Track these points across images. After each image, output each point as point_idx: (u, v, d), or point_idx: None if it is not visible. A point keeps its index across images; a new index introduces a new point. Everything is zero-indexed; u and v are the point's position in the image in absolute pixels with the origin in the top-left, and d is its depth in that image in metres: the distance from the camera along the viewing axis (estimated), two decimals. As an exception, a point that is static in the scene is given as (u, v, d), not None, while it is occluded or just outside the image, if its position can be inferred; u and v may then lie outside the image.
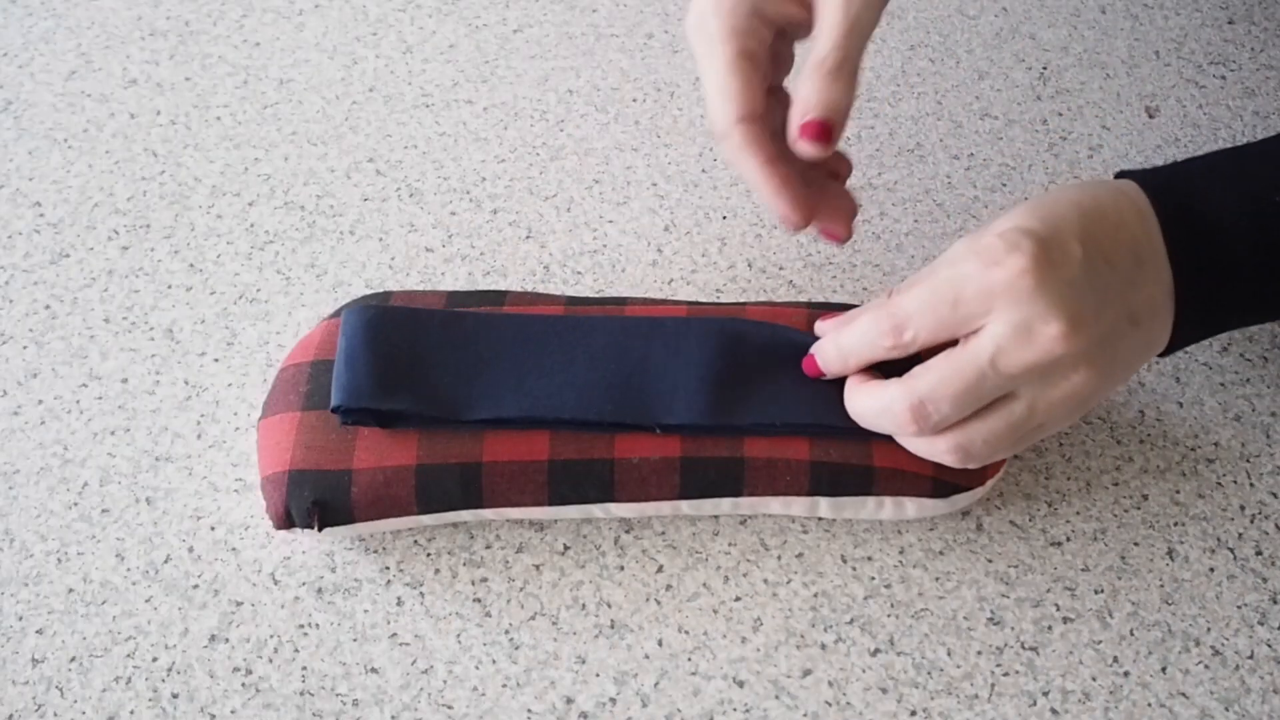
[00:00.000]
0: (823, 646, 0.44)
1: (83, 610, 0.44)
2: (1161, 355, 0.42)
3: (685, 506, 0.45)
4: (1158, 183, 0.41)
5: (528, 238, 0.58)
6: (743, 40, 0.41)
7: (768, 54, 0.43)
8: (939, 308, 0.38)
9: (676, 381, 0.45)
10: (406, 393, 0.44)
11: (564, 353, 0.45)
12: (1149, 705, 0.43)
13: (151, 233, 0.58)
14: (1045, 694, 0.43)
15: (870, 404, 0.41)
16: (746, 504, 0.45)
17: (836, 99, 0.40)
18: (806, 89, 0.40)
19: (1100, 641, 0.44)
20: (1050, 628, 0.45)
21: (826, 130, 0.40)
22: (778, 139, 0.42)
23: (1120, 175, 0.43)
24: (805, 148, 0.40)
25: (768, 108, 0.42)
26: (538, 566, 0.46)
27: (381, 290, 0.52)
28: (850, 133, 0.64)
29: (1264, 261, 0.40)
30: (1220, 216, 0.40)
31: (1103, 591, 0.46)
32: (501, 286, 0.56)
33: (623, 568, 0.46)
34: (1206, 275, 0.40)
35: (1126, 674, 0.44)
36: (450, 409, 0.44)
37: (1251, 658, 0.44)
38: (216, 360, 0.53)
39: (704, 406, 0.44)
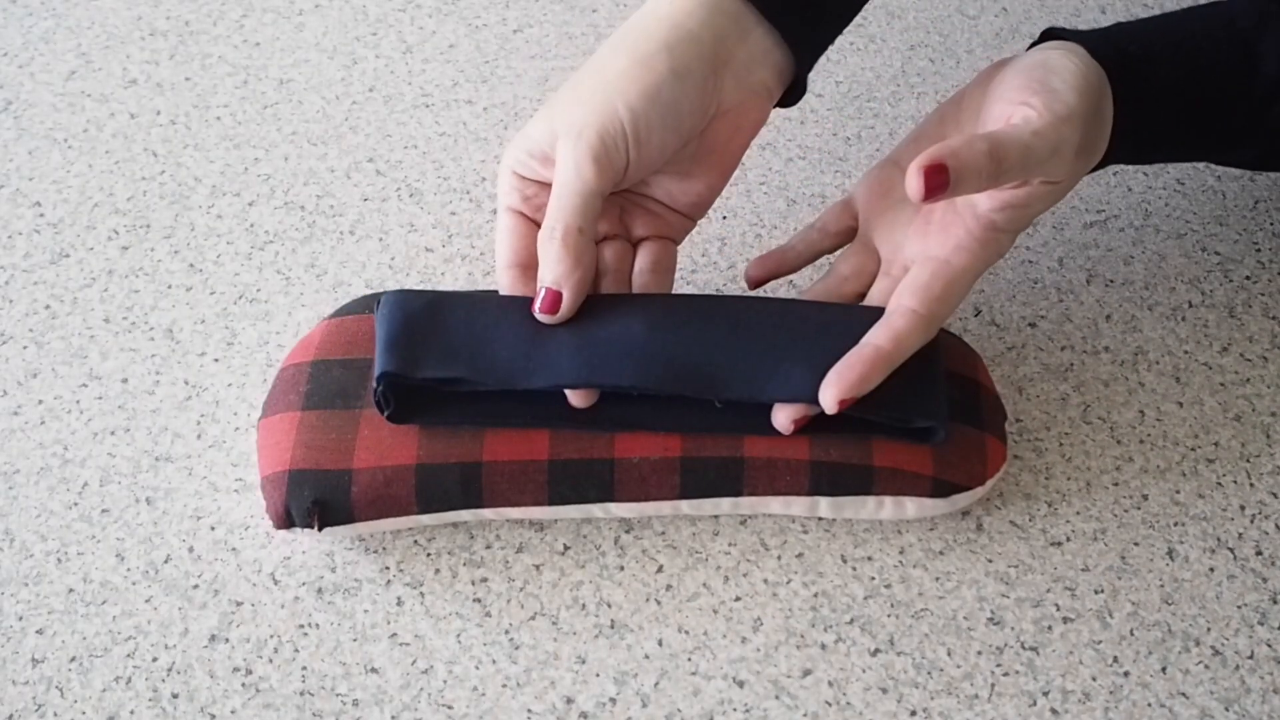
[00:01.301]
0: (823, 646, 0.44)
1: (83, 610, 0.44)
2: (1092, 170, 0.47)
3: (685, 506, 0.45)
4: (1105, 49, 0.45)
5: (528, 238, 0.58)
6: (508, 199, 0.46)
7: (538, 209, 0.46)
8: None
9: (738, 356, 0.44)
10: (463, 363, 0.43)
11: (621, 321, 0.44)
12: (1149, 705, 0.43)
13: (151, 233, 0.58)
14: (1045, 694, 0.43)
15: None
16: (746, 504, 0.45)
17: (554, 268, 0.43)
18: (538, 260, 0.44)
19: (1100, 641, 0.44)
20: (1050, 628, 0.45)
21: (551, 298, 0.43)
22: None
23: (1050, 33, 0.47)
24: (540, 317, 0.44)
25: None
26: (538, 566, 0.46)
27: (381, 290, 0.52)
28: (850, 132, 0.64)
29: (1181, 99, 0.46)
30: (1153, 67, 0.46)
31: (1103, 591, 0.46)
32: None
33: (623, 568, 0.46)
34: (1140, 109, 0.46)
35: (1126, 674, 0.44)
36: (508, 379, 0.43)
37: (1251, 658, 0.44)
38: (216, 360, 0.53)
39: (765, 383, 0.43)
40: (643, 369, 0.43)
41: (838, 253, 0.50)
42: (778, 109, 0.48)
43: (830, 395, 0.42)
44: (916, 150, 0.48)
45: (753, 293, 0.52)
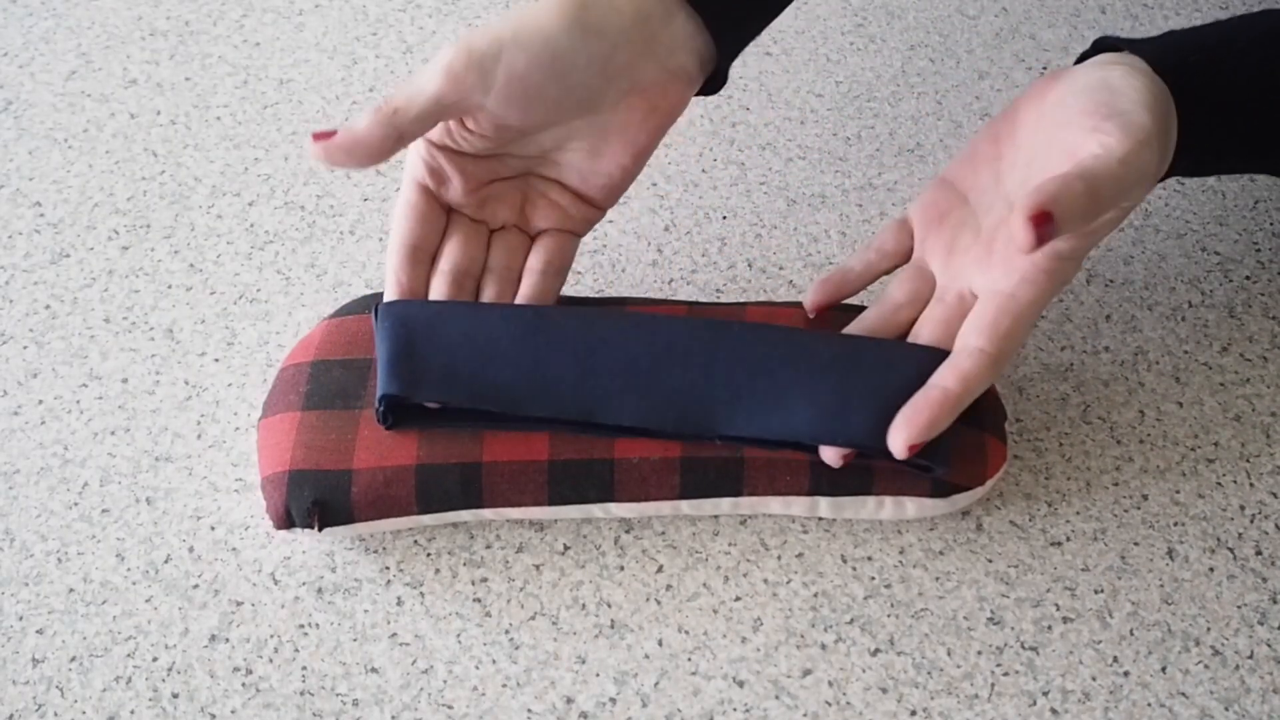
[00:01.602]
0: (823, 646, 0.44)
1: (83, 610, 0.44)
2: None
3: (685, 506, 0.45)
4: (1166, 61, 0.44)
5: (528, 238, 0.58)
6: (415, 171, 0.46)
7: (441, 183, 0.46)
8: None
9: (740, 391, 0.43)
10: (464, 385, 0.43)
11: (625, 349, 0.44)
12: (1149, 705, 0.43)
13: (151, 233, 0.58)
14: (1045, 694, 0.43)
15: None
16: (746, 504, 0.45)
17: (354, 127, 0.42)
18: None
19: (1100, 641, 0.44)
20: (1050, 628, 0.45)
21: (328, 133, 0.42)
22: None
23: (1102, 43, 0.46)
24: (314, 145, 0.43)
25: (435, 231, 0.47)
26: (538, 566, 0.46)
27: (382, 290, 0.52)
28: (850, 133, 0.64)
29: (1254, 115, 0.45)
30: (1220, 80, 0.45)
31: (1103, 591, 0.46)
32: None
33: (623, 568, 0.46)
34: (1207, 124, 0.44)
35: (1126, 674, 0.44)
36: (510, 404, 0.43)
37: (1251, 658, 0.44)
38: (216, 360, 0.53)
39: (769, 420, 0.43)
40: (646, 407, 0.43)
41: (891, 275, 0.49)
42: (700, 97, 0.47)
43: (900, 440, 0.41)
44: (971, 171, 0.47)
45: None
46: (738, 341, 0.45)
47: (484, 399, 0.43)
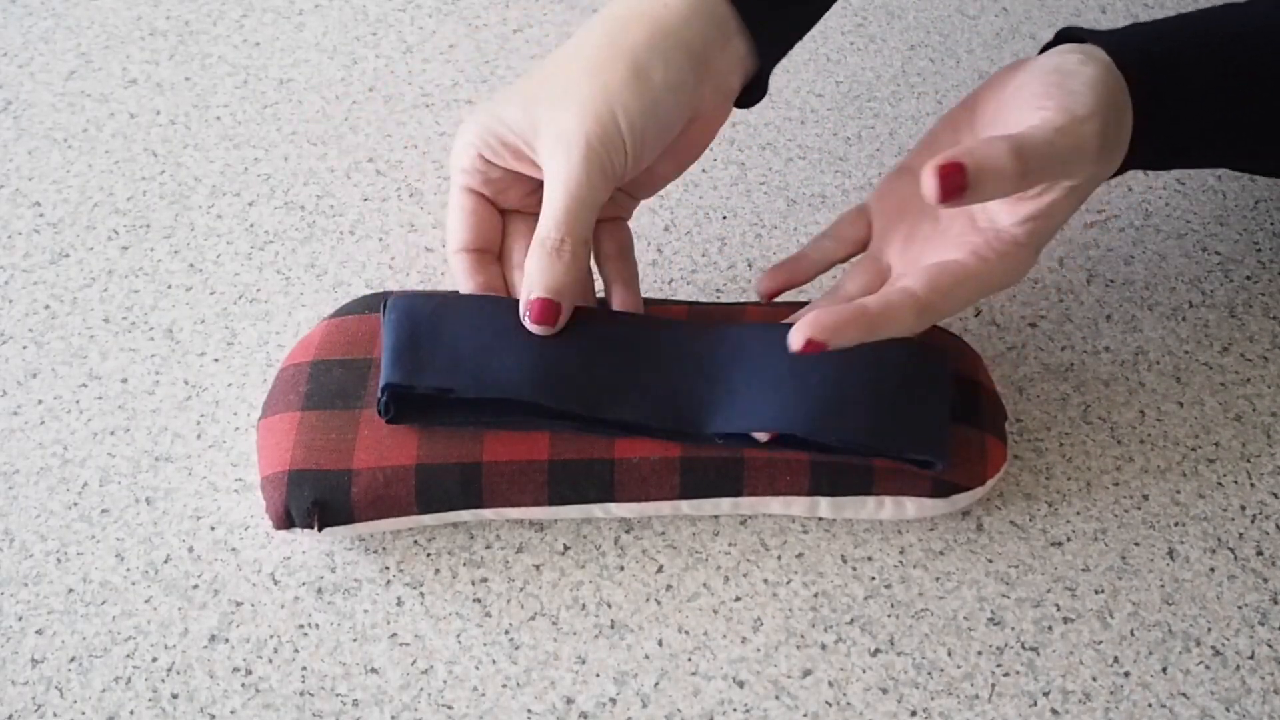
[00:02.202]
0: (823, 646, 0.44)
1: (83, 610, 0.44)
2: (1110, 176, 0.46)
3: (685, 506, 0.45)
4: (1126, 52, 0.44)
5: (528, 238, 0.58)
6: (468, 179, 0.45)
7: (500, 192, 0.46)
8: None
9: (736, 389, 0.44)
10: (467, 374, 0.43)
11: (622, 353, 0.44)
12: (1149, 705, 0.43)
13: (151, 233, 0.58)
14: (1045, 694, 0.43)
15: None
16: (746, 504, 0.45)
17: (558, 280, 0.43)
18: (530, 266, 0.43)
19: (1100, 642, 0.44)
20: (1050, 628, 0.45)
21: (550, 310, 0.43)
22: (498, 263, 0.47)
23: (1066, 34, 0.46)
24: (531, 327, 0.43)
25: (496, 236, 0.47)
26: (538, 566, 0.46)
27: (382, 290, 0.52)
28: (850, 133, 0.64)
29: (1211, 103, 0.45)
30: (1177, 65, 0.45)
31: (1103, 591, 0.46)
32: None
33: (623, 568, 0.46)
34: (1162, 112, 0.44)
35: (1127, 674, 0.44)
36: (512, 390, 0.43)
37: (1252, 658, 0.44)
38: (216, 360, 0.53)
39: (761, 414, 0.43)
40: (647, 403, 0.43)
41: (848, 263, 0.49)
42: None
43: (799, 336, 0.40)
44: (930, 156, 0.47)
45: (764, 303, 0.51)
46: (736, 342, 0.45)
47: (486, 386, 0.43)
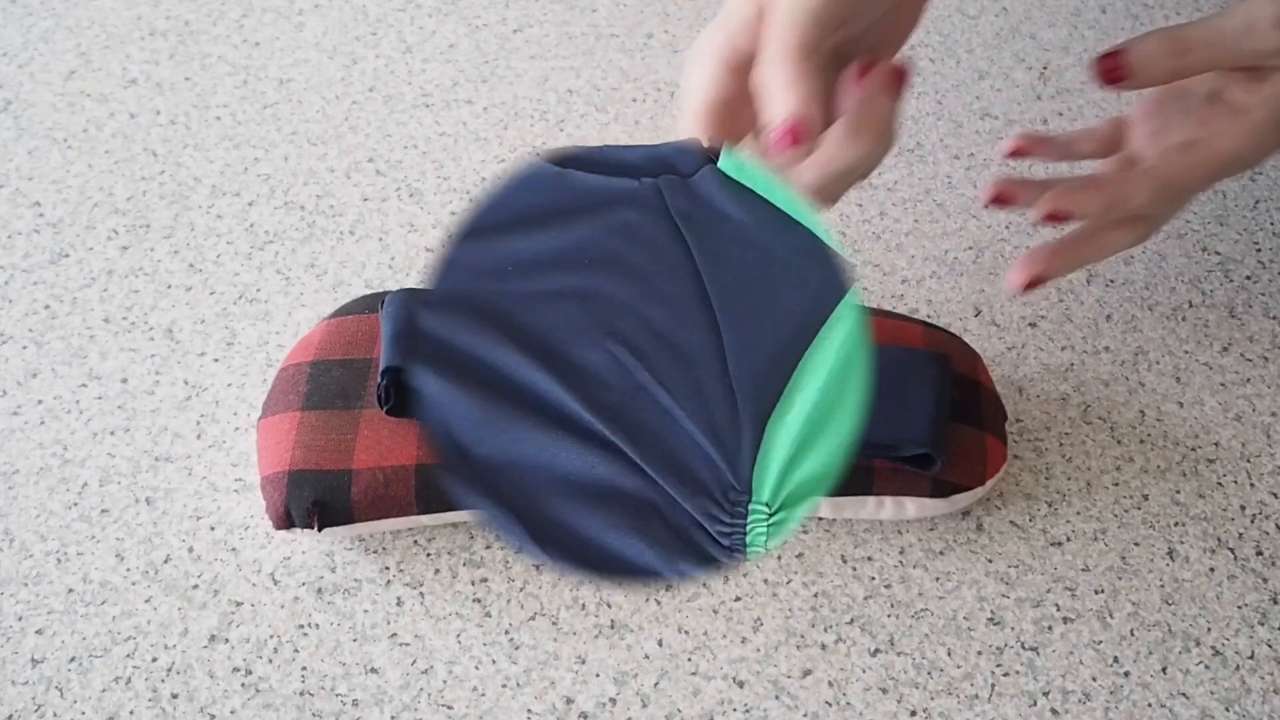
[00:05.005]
0: (823, 646, 0.44)
1: (83, 610, 0.44)
2: None
3: (685, 506, 0.45)
4: None
5: (528, 238, 0.58)
6: (722, 54, 0.41)
7: (746, 70, 0.42)
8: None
9: None
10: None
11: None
12: (1149, 705, 0.43)
13: (151, 233, 0.58)
14: (1045, 694, 0.43)
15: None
16: (746, 504, 0.45)
17: (798, 93, 0.38)
18: (765, 93, 0.39)
19: (1100, 642, 0.44)
20: (1050, 628, 0.45)
21: (795, 130, 0.38)
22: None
23: None
24: (781, 156, 0.39)
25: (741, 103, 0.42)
26: (538, 566, 0.46)
27: (382, 290, 0.52)
28: (850, 133, 0.64)
29: None
30: None
31: (1103, 591, 0.46)
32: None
33: (623, 568, 0.46)
34: None
35: (1127, 674, 0.44)
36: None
37: (1252, 658, 0.44)
38: (216, 360, 0.53)
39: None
40: None
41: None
42: None
43: (1020, 273, 0.44)
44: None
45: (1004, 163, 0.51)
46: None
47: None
